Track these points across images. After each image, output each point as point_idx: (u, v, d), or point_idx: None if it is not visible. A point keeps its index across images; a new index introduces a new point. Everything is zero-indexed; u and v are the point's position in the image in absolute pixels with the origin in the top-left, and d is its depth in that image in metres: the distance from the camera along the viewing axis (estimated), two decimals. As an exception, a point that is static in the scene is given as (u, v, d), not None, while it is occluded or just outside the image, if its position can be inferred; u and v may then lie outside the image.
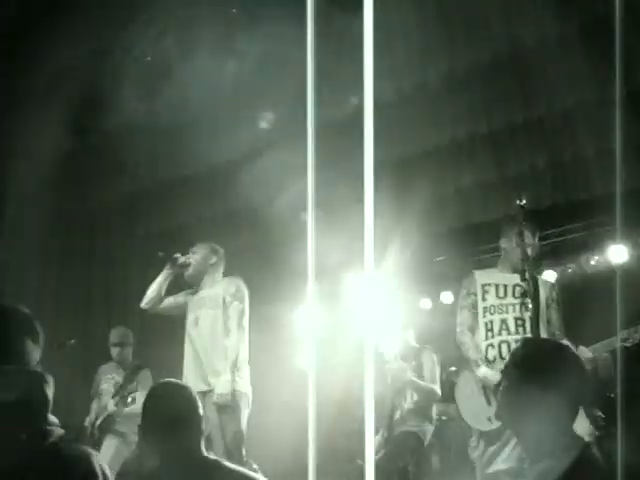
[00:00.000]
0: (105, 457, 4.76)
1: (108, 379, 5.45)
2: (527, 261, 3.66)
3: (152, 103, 4.98)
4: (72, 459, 1.58)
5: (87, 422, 5.30)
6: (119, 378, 5.40)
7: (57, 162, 5.58)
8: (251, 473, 2.29)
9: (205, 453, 2.16)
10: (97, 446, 4.96)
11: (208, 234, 5.47)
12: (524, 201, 3.50)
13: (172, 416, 2.15)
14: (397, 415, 4.70)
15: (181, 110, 4.99)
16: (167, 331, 5.64)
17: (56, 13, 4.40)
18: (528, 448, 1.83)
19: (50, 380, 1.64)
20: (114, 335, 5.55)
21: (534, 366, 1.81)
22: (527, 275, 3.62)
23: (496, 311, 3.84)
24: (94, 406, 5.40)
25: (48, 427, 1.61)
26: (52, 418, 1.64)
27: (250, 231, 6.72)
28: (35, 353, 1.76)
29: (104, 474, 1.61)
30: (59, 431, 1.62)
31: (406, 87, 5.04)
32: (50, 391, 1.62)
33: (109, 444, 5.14)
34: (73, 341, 5.31)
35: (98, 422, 5.20)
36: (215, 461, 2.19)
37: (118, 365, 5.49)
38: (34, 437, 1.55)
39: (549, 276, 6.72)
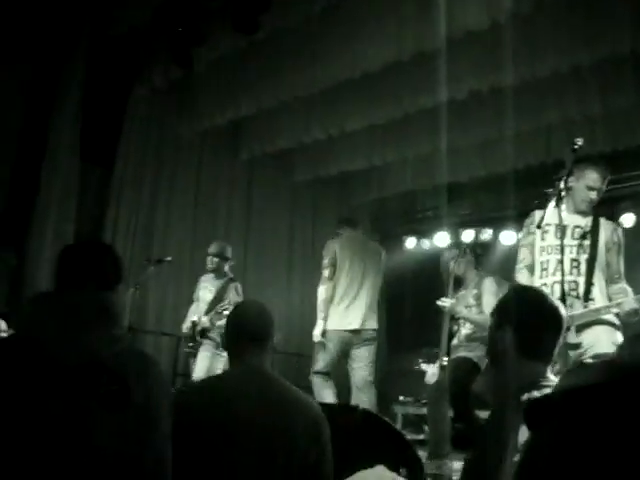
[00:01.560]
0: (200, 361, 5.63)
1: (204, 287, 6.03)
2: (590, 203, 3.80)
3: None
4: (137, 362, 1.79)
5: (185, 327, 5.93)
6: (212, 288, 5.96)
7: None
8: (301, 393, 2.41)
9: (267, 367, 2.38)
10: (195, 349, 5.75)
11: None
12: (580, 143, 3.30)
13: (249, 332, 2.40)
14: (454, 341, 5.05)
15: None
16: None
17: None
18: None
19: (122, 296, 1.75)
20: (212, 247, 6.05)
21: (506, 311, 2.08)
22: (588, 217, 3.79)
23: (553, 251, 3.77)
24: (192, 308, 6.05)
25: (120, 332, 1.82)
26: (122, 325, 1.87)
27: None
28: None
29: (163, 378, 1.87)
30: (127, 336, 1.89)
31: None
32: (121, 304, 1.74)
33: (205, 349, 5.71)
34: (169, 258, 6.09)
35: (197, 329, 5.77)
36: (272, 375, 2.39)
37: (214, 276, 6.02)
38: (108, 340, 1.75)
39: (627, 220, 6.82)
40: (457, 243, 6.65)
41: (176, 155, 7.73)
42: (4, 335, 4.33)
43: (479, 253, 5.57)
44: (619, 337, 3.64)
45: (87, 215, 6.91)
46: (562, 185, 3.29)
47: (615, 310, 3.61)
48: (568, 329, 3.39)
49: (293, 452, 2.25)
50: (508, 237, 8.15)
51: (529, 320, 2.06)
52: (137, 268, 6.69)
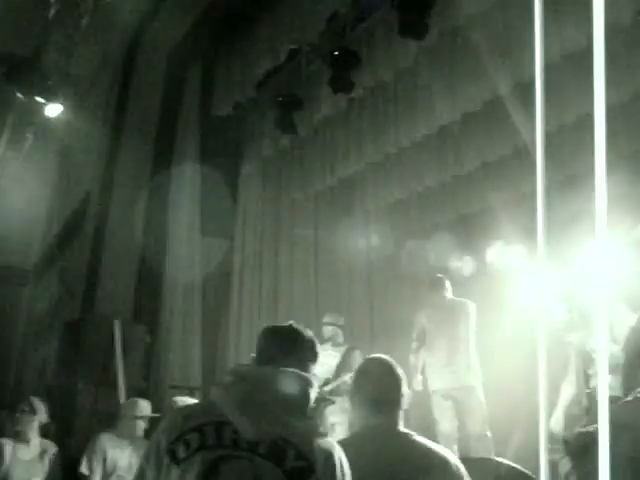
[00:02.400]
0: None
1: (325, 354, 5.78)
2: None
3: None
4: (324, 444, 1.83)
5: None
6: (336, 353, 6.02)
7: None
8: (439, 447, 2.35)
9: (401, 427, 2.32)
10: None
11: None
12: None
13: (376, 390, 2.35)
14: (593, 383, 4.45)
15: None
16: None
17: None
18: None
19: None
20: (327, 317, 6.26)
21: None
22: None
23: None
24: None
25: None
26: None
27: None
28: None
29: (345, 465, 1.85)
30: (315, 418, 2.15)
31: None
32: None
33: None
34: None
35: (326, 388, 5.82)
36: (407, 434, 2.31)
37: (332, 344, 6.11)
38: (300, 419, 1.84)
39: None
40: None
41: (292, 220, 7.87)
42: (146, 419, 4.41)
43: None
44: None
45: (212, 288, 7.15)
46: None
47: None
48: None
49: None
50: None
51: None
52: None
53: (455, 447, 5.33)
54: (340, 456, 1.83)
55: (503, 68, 5.49)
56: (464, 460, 2.42)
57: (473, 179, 7.38)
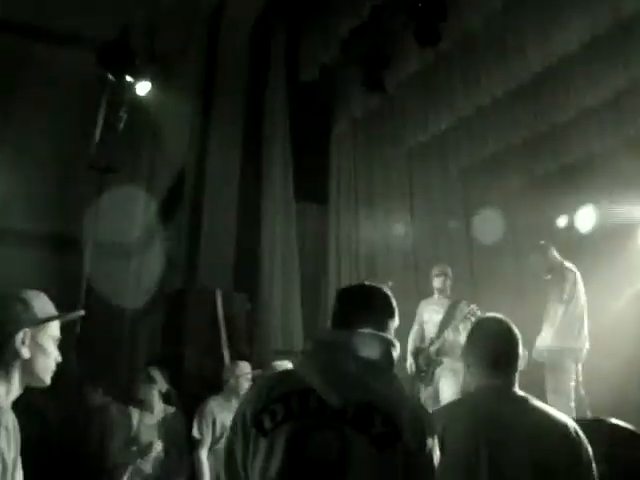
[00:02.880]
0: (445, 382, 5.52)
1: (431, 309, 5.95)
2: None
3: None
4: (411, 408, 1.80)
5: (411, 347, 5.83)
6: (440, 308, 5.88)
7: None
8: (556, 412, 2.26)
9: (516, 389, 2.25)
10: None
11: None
12: None
13: (494, 349, 2.29)
14: None
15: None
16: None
17: None
18: None
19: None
20: (436, 268, 6.07)
21: None
22: None
23: None
24: (413, 335, 5.92)
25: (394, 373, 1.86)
26: None
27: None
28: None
29: (434, 427, 1.81)
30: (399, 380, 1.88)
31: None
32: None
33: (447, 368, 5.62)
34: (391, 283, 5.76)
35: (432, 349, 5.70)
36: (524, 397, 2.25)
37: (439, 297, 5.97)
38: (384, 383, 1.79)
39: None
40: None
41: (386, 179, 7.79)
42: (248, 377, 4.55)
43: None
44: None
45: (310, 252, 7.20)
46: None
47: None
48: None
49: (549, 476, 2.10)
50: None
51: None
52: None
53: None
54: (430, 420, 1.79)
55: (601, 3, 5.15)
56: (577, 421, 2.32)
57: (573, 126, 7.04)
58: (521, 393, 2.28)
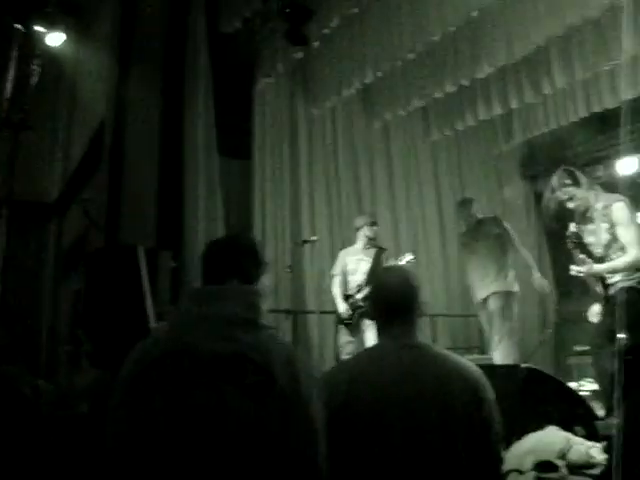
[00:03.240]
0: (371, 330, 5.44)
1: (358, 259, 6.06)
2: None
3: None
4: (282, 352, 1.82)
5: (344, 308, 5.92)
6: (367, 257, 5.99)
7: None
8: (459, 358, 2.27)
9: (417, 339, 2.25)
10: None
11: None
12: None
13: (387, 301, 2.30)
14: None
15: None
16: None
17: None
18: None
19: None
20: (367, 218, 6.24)
21: None
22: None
23: None
24: (336, 283, 6.07)
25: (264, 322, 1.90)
26: None
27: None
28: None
29: (309, 368, 1.89)
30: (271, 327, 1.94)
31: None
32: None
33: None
34: (315, 237, 6.37)
35: (359, 296, 5.81)
36: (423, 346, 2.25)
37: (363, 247, 6.08)
38: (252, 332, 1.83)
39: None
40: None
41: (310, 134, 7.76)
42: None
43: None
44: None
45: (234, 208, 7.13)
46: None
47: None
48: None
49: (451, 423, 2.07)
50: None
51: None
52: (289, 251, 6.85)
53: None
54: (304, 361, 1.84)
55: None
56: (489, 367, 2.40)
57: (492, 83, 7.18)
58: (421, 342, 2.28)
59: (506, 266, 5.93)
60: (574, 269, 4.41)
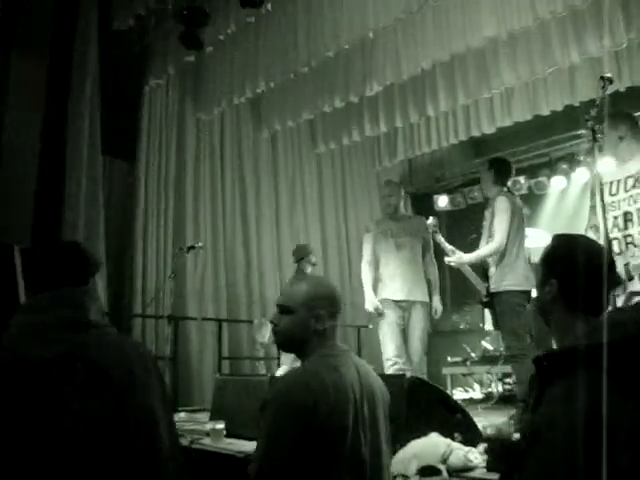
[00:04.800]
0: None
1: None
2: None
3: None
4: (116, 348, 1.88)
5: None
6: None
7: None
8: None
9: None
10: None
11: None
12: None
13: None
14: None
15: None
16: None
17: None
18: None
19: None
20: (301, 249, 6.59)
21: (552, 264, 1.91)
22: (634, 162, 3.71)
23: (610, 209, 3.71)
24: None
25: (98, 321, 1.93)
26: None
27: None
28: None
29: (148, 360, 1.96)
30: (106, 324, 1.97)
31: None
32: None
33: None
34: (200, 244, 6.38)
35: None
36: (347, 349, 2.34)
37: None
38: (83, 332, 1.85)
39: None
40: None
41: (198, 138, 7.69)
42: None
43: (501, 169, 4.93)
44: None
45: (116, 210, 6.94)
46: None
47: None
48: (632, 278, 3.34)
49: (385, 422, 2.29)
50: (541, 185, 8.05)
51: (574, 271, 1.91)
52: (172, 257, 6.75)
53: None
54: (141, 354, 1.91)
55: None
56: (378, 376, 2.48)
57: (381, 99, 7.43)
58: (345, 346, 2.36)
59: None
60: (446, 260, 4.85)
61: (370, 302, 5.26)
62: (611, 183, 3.76)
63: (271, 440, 2.01)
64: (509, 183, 4.99)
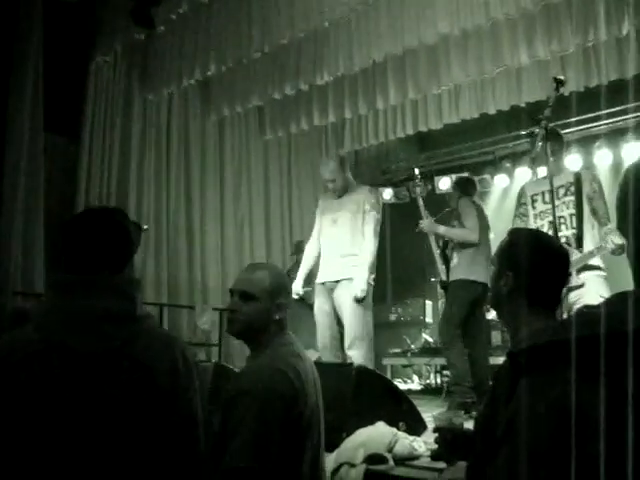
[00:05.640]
0: None
1: None
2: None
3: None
4: (159, 344, 1.75)
5: None
6: None
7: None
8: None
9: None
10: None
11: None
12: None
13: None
14: (453, 263, 5.21)
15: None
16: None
17: None
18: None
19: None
20: None
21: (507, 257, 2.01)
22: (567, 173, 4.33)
23: (545, 216, 4.12)
24: None
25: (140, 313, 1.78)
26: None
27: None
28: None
29: (188, 359, 1.81)
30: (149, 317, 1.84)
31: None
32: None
33: None
34: (146, 227, 5.84)
35: None
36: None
37: None
38: (127, 326, 1.71)
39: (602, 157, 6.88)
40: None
41: (144, 119, 7.53)
42: None
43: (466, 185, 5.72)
44: (605, 288, 3.94)
45: (56, 188, 6.74)
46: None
47: (608, 248, 3.77)
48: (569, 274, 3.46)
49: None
50: (485, 183, 8.24)
51: (533, 264, 1.94)
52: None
53: None
54: (182, 349, 1.74)
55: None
56: (325, 365, 2.53)
57: (331, 88, 7.44)
58: (294, 336, 2.43)
59: None
60: (420, 223, 5.22)
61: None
62: (543, 193, 4.19)
63: (261, 437, 1.97)
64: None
